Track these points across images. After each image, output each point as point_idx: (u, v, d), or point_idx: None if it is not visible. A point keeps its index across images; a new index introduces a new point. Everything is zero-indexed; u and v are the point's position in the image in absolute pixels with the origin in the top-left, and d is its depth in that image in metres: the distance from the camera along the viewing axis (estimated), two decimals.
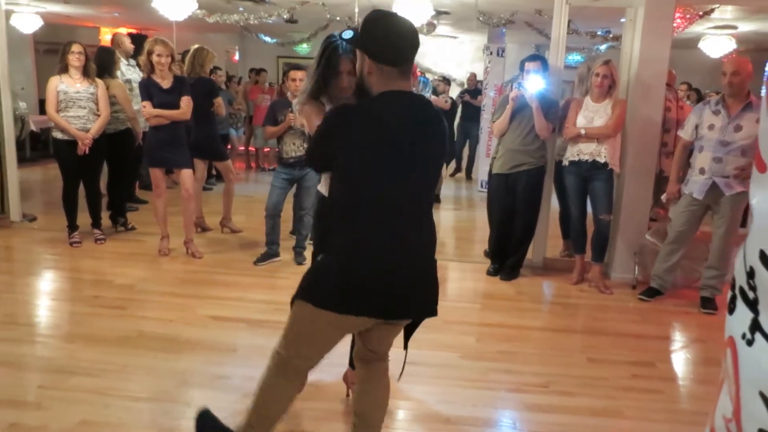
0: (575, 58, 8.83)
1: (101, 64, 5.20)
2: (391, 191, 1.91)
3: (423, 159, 1.94)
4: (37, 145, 9.39)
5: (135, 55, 6.22)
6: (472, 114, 9.69)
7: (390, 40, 1.88)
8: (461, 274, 4.94)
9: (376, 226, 1.91)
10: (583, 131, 4.35)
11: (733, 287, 0.93)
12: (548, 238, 5.07)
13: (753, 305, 0.86)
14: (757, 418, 0.83)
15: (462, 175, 10.14)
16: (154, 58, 4.61)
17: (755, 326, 0.85)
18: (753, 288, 0.85)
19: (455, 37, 9.82)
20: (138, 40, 6.74)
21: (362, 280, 1.90)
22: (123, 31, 9.03)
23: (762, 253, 0.83)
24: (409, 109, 1.93)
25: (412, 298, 1.96)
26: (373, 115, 1.90)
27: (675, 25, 4.72)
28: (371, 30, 1.90)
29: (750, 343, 0.86)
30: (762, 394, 0.81)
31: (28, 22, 7.26)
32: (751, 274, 0.86)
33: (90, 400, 2.70)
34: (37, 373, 2.97)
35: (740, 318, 0.90)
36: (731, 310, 0.94)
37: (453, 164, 10.09)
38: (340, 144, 1.89)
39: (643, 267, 4.67)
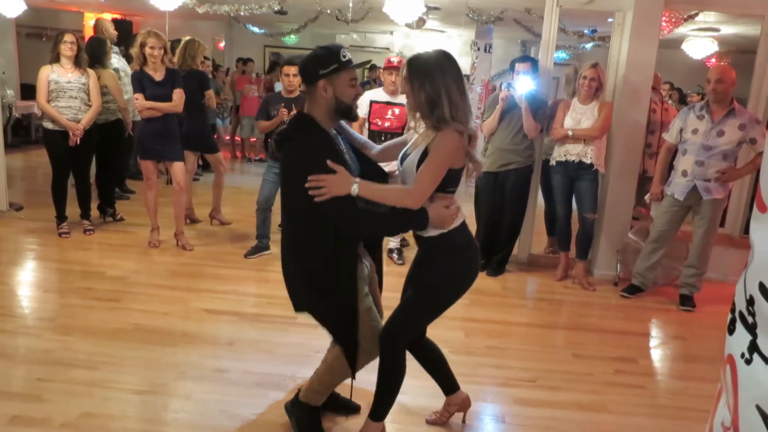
0: (561, 55, 8.96)
1: (93, 53, 5.18)
2: None
3: None
4: (18, 131, 9.24)
5: (119, 42, 6.17)
6: None
7: None
8: None
9: None
10: (570, 132, 4.46)
11: (732, 311, 1.04)
12: (533, 235, 5.19)
13: (752, 329, 0.96)
14: (754, 428, 0.93)
15: None
16: (147, 51, 4.61)
17: (753, 347, 0.95)
18: (752, 314, 0.95)
19: (443, 32, 9.87)
20: (122, 26, 6.68)
21: None
22: (108, 16, 8.93)
23: (761, 285, 0.93)
24: None
25: None
26: None
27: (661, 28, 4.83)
28: None
29: (748, 362, 0.97)
30: (758, 407, 0.92)
31: (13, 7, 7.14)
32: (750, 301, 0.96)
33: (90, 392, 2.75)
34: (36, 365, 2.99)
35: (739, 339, 1.00)
36: (731, 331, 1.05)
37: None
38: None
39: (625, 264, 4.81)
